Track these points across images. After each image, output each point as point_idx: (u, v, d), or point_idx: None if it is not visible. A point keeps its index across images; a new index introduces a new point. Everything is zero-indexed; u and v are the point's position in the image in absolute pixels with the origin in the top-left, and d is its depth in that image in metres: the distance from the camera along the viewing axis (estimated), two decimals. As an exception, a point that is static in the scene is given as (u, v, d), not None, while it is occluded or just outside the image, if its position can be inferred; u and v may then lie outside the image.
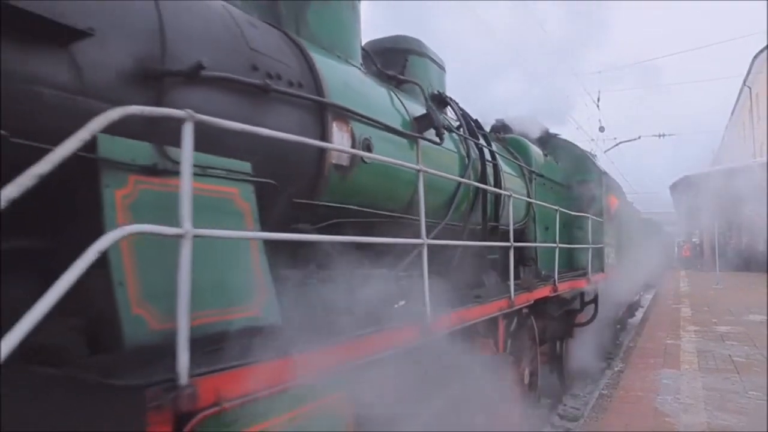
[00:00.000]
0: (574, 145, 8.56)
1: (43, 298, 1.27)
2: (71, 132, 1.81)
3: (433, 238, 3.63)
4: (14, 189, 1.29)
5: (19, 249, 1.97)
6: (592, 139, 29.01)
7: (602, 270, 8.16)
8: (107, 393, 1.50)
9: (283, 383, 1.89)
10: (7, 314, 1.43)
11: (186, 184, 1.68)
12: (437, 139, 4.06)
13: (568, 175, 8.13)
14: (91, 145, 1.89)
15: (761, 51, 36.85)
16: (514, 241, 4.72)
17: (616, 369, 7.69)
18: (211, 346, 1.94)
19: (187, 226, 1.63)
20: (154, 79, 2.10)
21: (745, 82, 39.91)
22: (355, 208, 3.32)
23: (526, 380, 5.25)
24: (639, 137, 31.97)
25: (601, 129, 29.97)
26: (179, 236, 1.62)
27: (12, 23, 1.66)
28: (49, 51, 1.78)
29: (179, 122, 1.72)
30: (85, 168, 1.88)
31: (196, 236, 1.71)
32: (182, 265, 1.62)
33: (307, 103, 2.91)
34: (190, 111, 1.69)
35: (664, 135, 31.98)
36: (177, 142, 1.78)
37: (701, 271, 32.63)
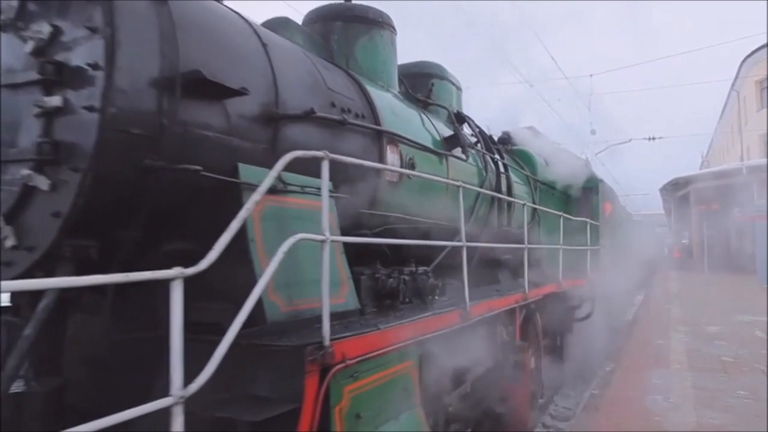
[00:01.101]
0: (573, 154, 9.33)
1: (257, 287, 1.96)
2: (225, 163, 2.52)
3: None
4: (244, 212, 1.97)
5: (176, 250, 2.65)
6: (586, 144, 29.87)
7: (599, 269, 8.93)
8: (278, 351, 2.18)
9: (380, 349, 2.59)
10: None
11: (325, 204, 2.37)
12: (463, 156, 4.78)
13: (568, 182, 8.91)
14: (235, 172, 2.59)
15: (748, 56, 37.95)
16: (514, 242, 5.47)
17: (607, 369, 7.79)
18: (317, 324, 2.64)
19: (327, 234, 2.32)
20: (273, 120, 2.79)
21: (733, 86, 40.97)
22: (401, 215, 4.02)
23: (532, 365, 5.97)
24: (630, 140, 32.84)
25: (593, 132, 30.78)
26: (323, 241, 2.31)
27: (192, 86, 2.34)
28: (214, 105, 2.47)
29: (317, 159, 2.41)
30: (230, 190, 2.57)
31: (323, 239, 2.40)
32: (324, 259, 2.31)
33: (369, 131, 3.62)
34: (326, 152, 2.39)
35: (654, 138, 32.87)
36: (291, 167, 2.46)
37: (691, 271, 33.45)
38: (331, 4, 4.53)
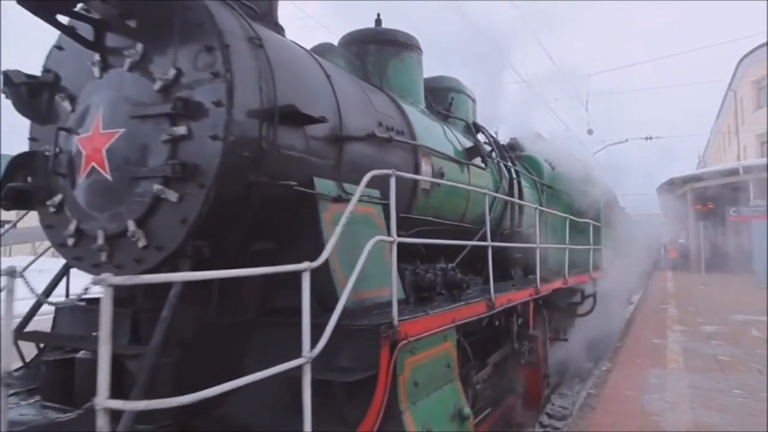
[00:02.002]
0: (576, 158, 9.98)
1: (349, 282, 2.57)
2: (304, 177, 3.12)
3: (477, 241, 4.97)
4: (344, 219, 2.57)
5: (261, 250, 3.24)
6: (581, 142, 30.50)
7: (600, 268, 9.59)
8: (359, 330, 2.78)
9: (432, 330, 3.21)
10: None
11: (393, 213, 2.98)
12: (482, 165, 5.40)
13: (572, 185, 9.56)
14: (311, 185, 3.19)
15: (745, 56, 38.72)
16: (529, 242, 6.10)
17: (603, 368, 7.91)
18: (374, 311, 3.24)
19: (394, 236, 2.93)
20: (339, 141, 3.40)
21: (729, 86, 41.75)
22: (432, 218, 4.63)
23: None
24: (626, 140, 33.52)
25: (590, 132, 31.36)
26: (391, 242, 2.92)
27: (285, 116, 2.94)
28: (298, 130, 3.07)
29: (385, 176, 3.02)
30: (307, 200, 3.17)
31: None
32: (393, 257, 2.92)
33: (407, 145, 4.23)
34: (394, 170, 2.99)
35: (651, 138, 33.60)
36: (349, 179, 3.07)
37: (687, 271, 34.12)
38: (365, 29, 5.13)
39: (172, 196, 2.72)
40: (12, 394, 3.23)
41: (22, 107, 3.33)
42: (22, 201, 3.31)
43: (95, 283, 1.87)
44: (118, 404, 1.69)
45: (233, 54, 2.73)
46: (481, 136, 6.53)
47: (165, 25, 2.88)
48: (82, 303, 3.69)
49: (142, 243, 2.82)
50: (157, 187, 2.74)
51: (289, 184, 2.95)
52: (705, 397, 6.34)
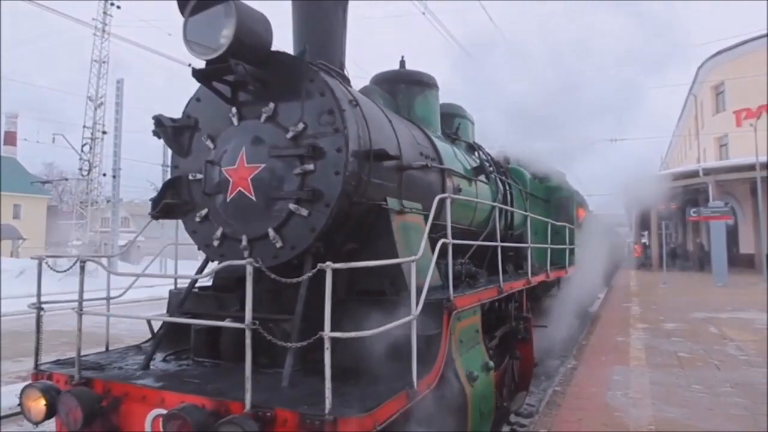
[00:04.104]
0: (554, 169, 11.74)
1: (427, 277, 4.09)
2: (380, 197, 4.61)
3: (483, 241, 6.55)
4: (427, 230, 4.10)
5: (349, 249, 4.72)
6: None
7: (573, 264, 11.36)
8: (429, 303, 4.28)
9: (469, 305, 4.76)
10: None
11: (448, 224, 4.50)
12: (486, 180, 6.99)
13: (548, 191, 11.34)
14: (385, 202, 4.69)
15: (705, 61, 41.56)
16: (516, 242, 7.74)
17: (569, 366, 8.52)
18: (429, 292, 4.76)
19: (449, 239, 4.45)
20: (401, 170, 4.91)
21: (690, 90, 44.66)
22: (452, 224, 6.18)
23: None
24: (592, 143, 35.63)
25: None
26: (448, 243, 4.44)
27: (376, 156, 4.43)
28: (380, 164, 4.57)
29: (429, 194, 4.55)
30: (381, 212, 4.66)
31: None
32: (449, 255, 4.45)
33: (438, 169, 5.76)
34: (450, 194, 4.52)
35: (616, 140, 35.90)
36: (407, 197, 4.61)
37: (650, 270, 36.62)
38: (394, 71, 6.66)
39: (303, 212, 4.19)
40: (168, 354, 4.65)
41: (169, 142, 4.74)
42: (170, 213, 4.72)
43: (250, 264, 3.22)
44: (337, 334, 3.14)
45: (346, 115, 4.22)
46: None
47: (291, 91, 4.34)
48: (195, 290, 5.11)
49: (279, 244, 4.27)
50: (292, 205, 4.20)
51: (378, 203, 4.45)
52: (666, 392, 6.89)
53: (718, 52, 39.97)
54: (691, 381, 7.44)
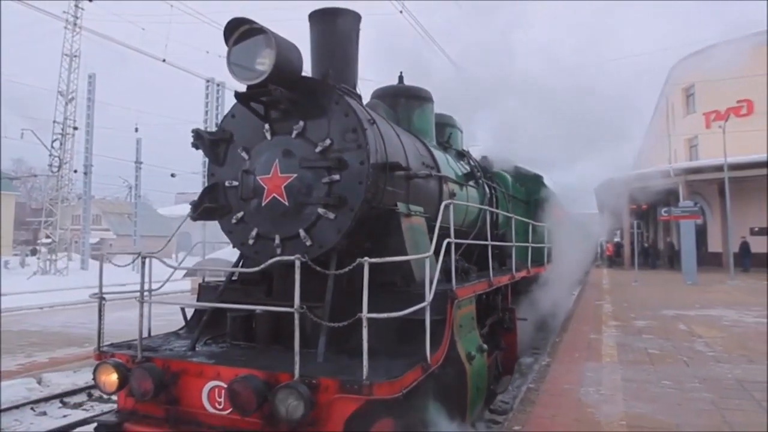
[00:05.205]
0: (533, 172, 12.75)
1: (435, 273, 4.97)
2: (392, 202, 5.49)
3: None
4: (438, 233, 4.98)
5: (363, 247, 5.56)
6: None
7: (551, 261, 12.39)
8: (436, 293, 5.15)
9: (467, 295, 5.66)
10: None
11: (452, 224, 5.39)
12: (475, 185, 7.92)
13: (528, 193, 12.36)
14: (395, 206, 5.55)
15: (677, 63, 43.23)
16: (501, 241, 8.69)
17: (543, 363, 8.77)
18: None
19: (452, 238, 5.34)
20: (409, 178, 5.79)
21: (662, 92, 46.34)
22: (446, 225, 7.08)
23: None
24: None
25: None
26: (450, 242, 5.33)
27: (391, 168, 5.30)
28: (392, 174, 5.43)
29: (432, 198, 5.44)
30: (393, 215, 5.52)
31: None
32: (452, 252, 5.33)
33: (437, 176, 6.65)
34: (452, 200, 5.41)
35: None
36: (413, 202, 5.49)
37: (621, 268, 38.07)
38: (395, 86, 7.53)
39: (330, 215, 5.03)
40: (207, 339, 5.43)
41: (207, 153, 5.54)
42: (209, 215, 5.51)
43: (296, 259, 4.07)
44: (374, 315, 3.99)
45: (368, 133, 5.07)
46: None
47: (318, 110, 5.18)
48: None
49: (308, 243, 5.10)
50: (321, 210, 5.04)
51: (390, 207, 5.31)
52: (637, 388, 7.15)
53: (690, 55, 41.64)
54: (661, 377, 7.71)
